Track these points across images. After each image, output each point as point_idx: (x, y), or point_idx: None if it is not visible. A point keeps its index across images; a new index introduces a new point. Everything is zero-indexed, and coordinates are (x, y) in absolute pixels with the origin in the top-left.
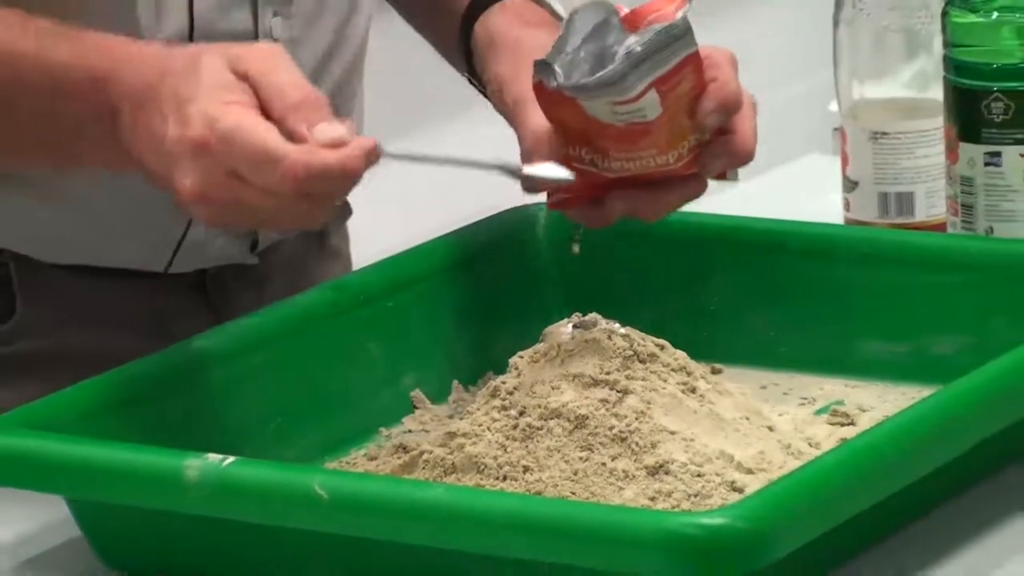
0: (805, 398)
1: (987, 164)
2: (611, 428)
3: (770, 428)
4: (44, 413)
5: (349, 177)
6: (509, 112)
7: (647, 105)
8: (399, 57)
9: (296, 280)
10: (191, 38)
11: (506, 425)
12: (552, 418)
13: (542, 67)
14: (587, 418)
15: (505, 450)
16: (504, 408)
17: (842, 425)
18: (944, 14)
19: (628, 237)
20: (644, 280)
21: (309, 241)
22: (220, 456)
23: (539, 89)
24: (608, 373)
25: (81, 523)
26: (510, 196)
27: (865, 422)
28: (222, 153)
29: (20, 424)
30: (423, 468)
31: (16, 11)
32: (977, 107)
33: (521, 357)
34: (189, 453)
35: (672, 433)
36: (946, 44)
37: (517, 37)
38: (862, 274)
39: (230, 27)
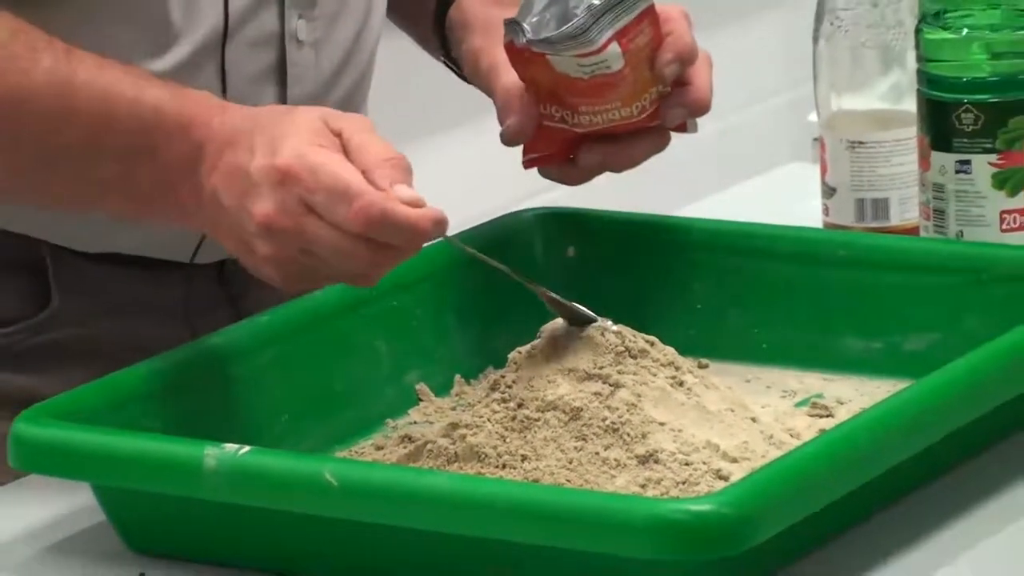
0: (786, 391)
1: (957, 171)
2: (604, 419)
3: (753, 419)
4: (71, 404)
5: (416, 234)
6: (484, 79)
7: (610, 57)
8: (402, 65)
9: None
10: (224, 36)
11: (505, 417)
12: (548, 410)
13: (511, 26)
14: (581, 410)
15: (504, 440)
16: (503, 401)
17: (821, 417)
18: (917, 31)
19: (619, 240)
20: (635, 280)
21: None
22: (236, 446)
23: (510, 48)
24: (601, 368)
25: (105, 509)
26: (509, 201)
27: (842, 414)
28: (304, 181)
29: (48, 415)
30: (427, 457)
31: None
32: (948, 118)
33: (519, 353)
34: (207, 443)
35: (661, 424)
36: (919, 59)
37: (488, 15)
38: (840, 275)
39: (259, 28)
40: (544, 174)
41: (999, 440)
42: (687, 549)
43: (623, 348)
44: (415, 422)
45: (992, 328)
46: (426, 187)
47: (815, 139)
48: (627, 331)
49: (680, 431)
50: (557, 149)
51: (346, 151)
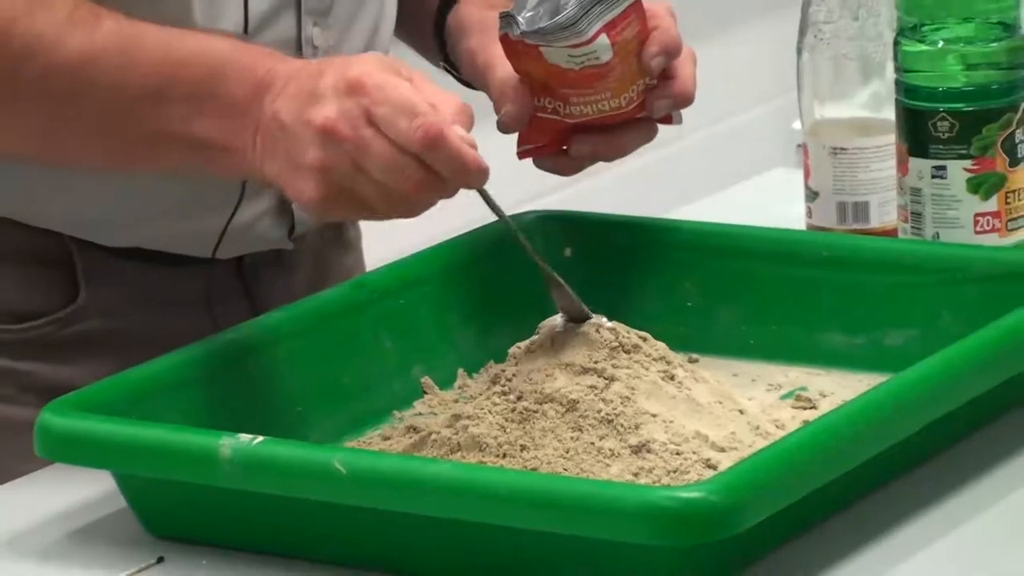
0: (772, 384)
1: (934, 176)
2: (599, 411)
3: (741, 411)
4: (94, 397)
5: (463, 168)
6: (481, 75)
7: (599, 48)
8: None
9: (319, 269)
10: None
11: (505, 408)
12: (546, 402)
13: (506, 19)
14: (577, 402)
15: (504, 431)
16: (504, 393)
17: (805, 409)
18: (896, 43)
19: (614, 242)
20: (628, 279)
21: (331, 233)
22: (250, 436)
23: (505, 41)
24: (596, 362)
25: (127, 496)
26: (511, 204)
27: (825, 406)
28: (371, 93)
29: (73, 407)
30: (431, 447)
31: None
32: (925, 126)
33: (519, 348)
34: (223, 433)
35: (653, 416)
36: (897, 70)
37: (483, 16)
38: (823, 274)
39: (276, 34)
40: (538, 165)
41: (974, 431)
42: (678, 534)
43: (617, 344)
44: (420, 414)
45: (967, 325)
46: None
47: (799, 145)
48: (621, 327)
49: (671, 422)
50: (550, 140)
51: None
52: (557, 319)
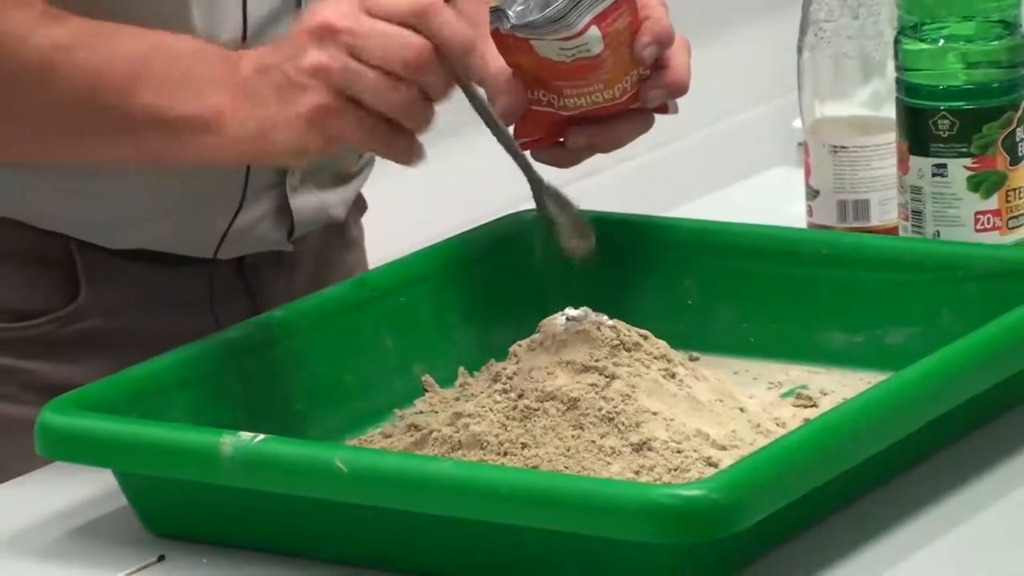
0: (772, 383)
1: (934, 175)
2: (600, 409)
3: (741, 409)
4: (95, 395)
5: (459, 35)
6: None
7: (590, 40)
8: None
9: (321, 267)
10: (244, 47)
11: (506, 407)
12: (547, 400)
13: (496, 13)
14: (578, 400)
15: (505, 429)
16: (505, 391)
17: (805, 407)
18: (896, 42)
19: (615, 240)
20: (629, 278)
21: (332, 233)
22: (252, 434)
23: (496, 35)
24: (597, 360)
25: (127, 494)
26: (511, 203)
27: (826, 404)
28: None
29: (73, 405)
30: (432, 445)
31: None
32: (925, 124)
33: (520, 346)
34: (224, 431)
35: (654, 414)
36: (898, 68)
37: (477, 11)
38: (823, 272)
39: (275, 37)
40: (536, 158)
41: (975, 429)
42: (679, 532)
43: (618, 342)
44: (421, 412)
45: (967, 323)
46: (431, 188)
47: (799, 144)
48: (622, 325)
49: (672, 420)
50: (546, 133)
51: None
52: (558, 318)
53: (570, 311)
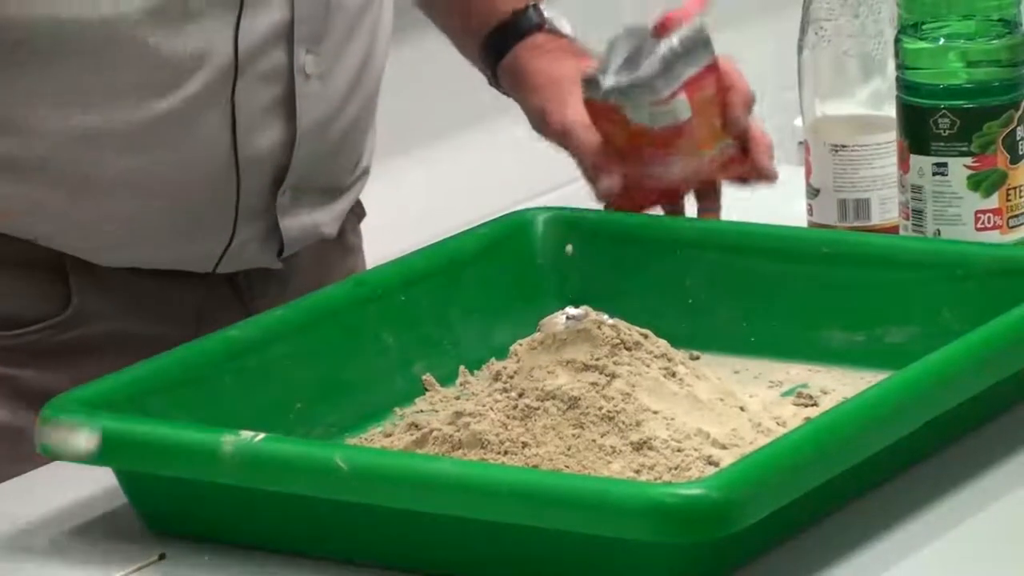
0: (773, 381)
1: (935, 174)
2: (600, 408)
3: (742, 408)
4: (96, 394)
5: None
6: (558, 138)
7: (678, 107)
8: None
9: (317, 275)
10: (236, 73)
11: (507, 405)
12: (548, 399)
13: (588, 83)
14: (579, 399)
15: (506, 428)
16: (505, 390)
17: (806, 406)
18: (897, 40)
19: (615, 239)
20: (630, 277)
21: (329, 243)
22: (252, 433)
23: (589, 105)
24: (598, 359)
25: (127, 493)
26: (512, 201)
27: (826, 403)
28: None
29: (74, 403)
30: (433, 444)
31: None
32: (926, 123)
33: (520, 345)
34: (225, 430)
35: (655, 413)
36: (898, 67)
37: (546, 72)
38: (824, 271)
39: (268, 63)
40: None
41: (975, 428)
42: (679, 531)
43: (618, 341)
44: (422, 411)
45: (968, 322)
46: (432, 187)
47: (800, 143)
48: (622, 324)
49: (672, 419)
50: (635, 201)
51: None
52: (559, 317)
53: (571, 310)
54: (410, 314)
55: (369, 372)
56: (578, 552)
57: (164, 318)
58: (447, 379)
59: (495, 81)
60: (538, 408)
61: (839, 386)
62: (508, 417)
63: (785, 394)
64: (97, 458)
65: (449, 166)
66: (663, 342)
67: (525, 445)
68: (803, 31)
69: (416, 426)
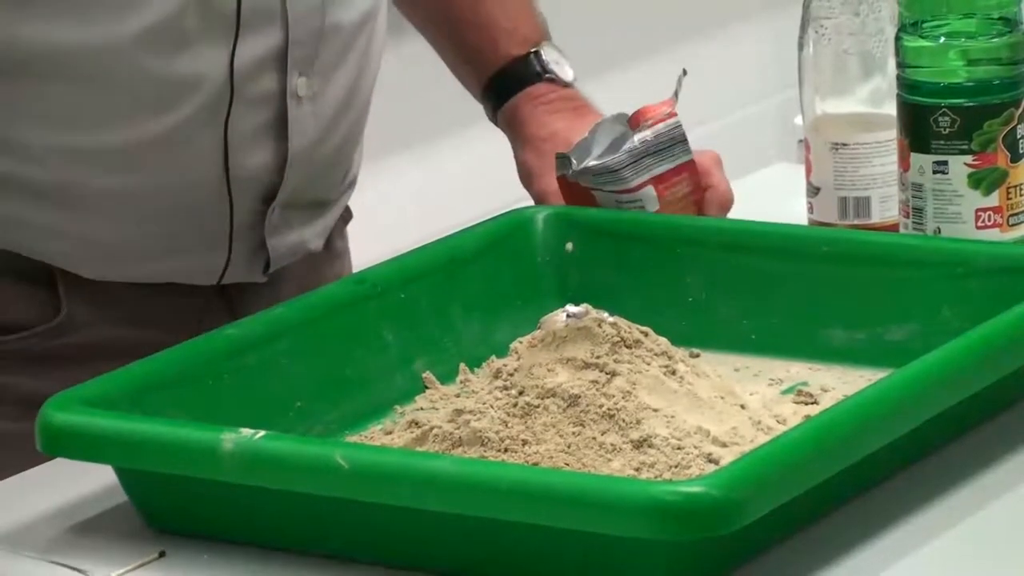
0: (773, 379)
1: (935, 172)
2: (600, 406)
3: (742, 406)
4: (97, 392)
5: None
6: (536, 199)
7: (645, 198)
8: (405, 72)
9: (307, 279)
10: (231, 97)
11: (507, 403)
12: (548, 397)
13: (562, 160)
14: (579, 397)
15: (506, 425)
16: (505, 388)
17: (806, 404)
18: (897, 39)
19: (616, 237)
20: (630, 275)
21: (319, 250)
22: (252, 431)
23: (561, 182)
24: (598, 357)
25: (128, 490)
26: (512, 200)
27: (827, 401)
28: None
29: (75, 402)
30: (433, 441)
31: None
32: (926, 121)
33: (521, 343)
34: (225, 428)
35: (655, 411)
36: (899, 65)
37: (539, 133)
38: (824, 269)
39: (261, 88)
40: None
41: (976, 426)
42: (679, 529)
43: (619, 338)
44: (422, 408)
45: (968, 319)
46: (432, 186)
47: (800, 141)
48: (622, 322)
49: (673, 417)
50: None
51: None
52: (559, 315)
53: (571, 308)
54: (410, 312)
55: (369, 370)
56: (578, 550)
57: (155, 327)
58: (447, 377)
59: (494, 119)
60: (538, 406)
61: (839, 384)
62: (508, 415)
63: (785, 392)
64: (97, 455)
65: (449, 164)
66: (663, 340)
67: (525, 443)
68: (803, 29)
69: (416, 424)
